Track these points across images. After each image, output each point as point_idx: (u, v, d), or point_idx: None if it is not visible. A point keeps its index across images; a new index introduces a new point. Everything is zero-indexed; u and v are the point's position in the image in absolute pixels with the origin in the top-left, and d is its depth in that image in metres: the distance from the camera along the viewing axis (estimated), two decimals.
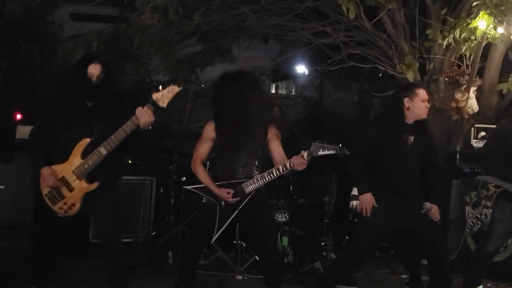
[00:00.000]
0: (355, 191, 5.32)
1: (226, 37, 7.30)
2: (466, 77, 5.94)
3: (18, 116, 6.03)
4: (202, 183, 4.38)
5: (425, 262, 5.20)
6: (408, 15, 6.17)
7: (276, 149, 4.36)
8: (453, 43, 5.82)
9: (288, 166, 4.20)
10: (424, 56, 6.12)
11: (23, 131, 5.76)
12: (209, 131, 4.36)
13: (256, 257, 5.38)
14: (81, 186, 4.03)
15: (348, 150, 4.29)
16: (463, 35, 5.59)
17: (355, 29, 6.26)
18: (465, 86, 5.93)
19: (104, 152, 3.95)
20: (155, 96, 3.89)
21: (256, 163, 4.32)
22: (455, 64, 6.09)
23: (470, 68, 5.92)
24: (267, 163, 4.38)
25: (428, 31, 5.93)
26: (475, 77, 5.92)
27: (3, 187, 5.74)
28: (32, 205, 5.72)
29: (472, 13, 5.45)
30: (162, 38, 6.74)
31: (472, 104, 5.98)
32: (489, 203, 5.58)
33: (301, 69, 8.80)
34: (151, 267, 5.49)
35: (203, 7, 6.25)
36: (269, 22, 6.31)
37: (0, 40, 6.49)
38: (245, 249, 5.53)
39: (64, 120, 4.05)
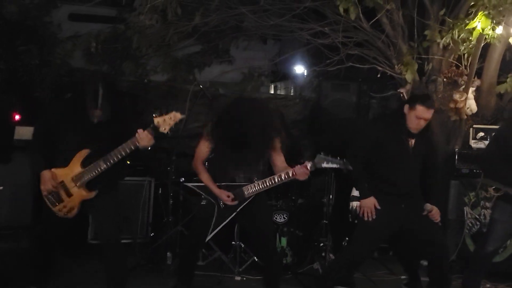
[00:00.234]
0: (355, 192, 5.32)
1: (224, 38, 7.29)
2: (465, 77, 5.94)
3: (17, 117, 6.02)
4: (202, 183, 4.39)
5: (424, 263, 5.21)
6: (406, 16, 6.17)
7: (277, 155, 4.38)
8: (451, 44, 5.82)
9: (290, 175, 4.22)
10: (423, 56, 6.12)
11: (22, 132, 5.75)
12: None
13: (255, 258, 5.37)
14: (79, 193, 4.07)
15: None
16: (461, 36, 5.60)
17: (354, 30, 6.26)
18: (463, 86, 5.93)
19: (103, 166, 3.99)
20: (156, 121, 3.90)
21: (259, 167, 4.34)
22: (454, 64, 6.08)
23: (468, 68, 5.91)
24: (267, 167, 4.41)
25: (426, 32, 5.93)
26: (474, 78, 5.91)
27: (1, 187, 5.73)
28: (31, 205, 5.72)
29: (470, 14, 5.46)
30: (161, 38, 6.74)
31: (471, 105, 5.97)
32: (487, 204, 5.60)
33: (300, 69, 8.82)
34: (149, 268, 5.50)
35: (202, 7, 6.25)
36: (268, 22, 6.30)
37: None
38: (244, 250, 5.53)
39: (66, 124, 4.07)
